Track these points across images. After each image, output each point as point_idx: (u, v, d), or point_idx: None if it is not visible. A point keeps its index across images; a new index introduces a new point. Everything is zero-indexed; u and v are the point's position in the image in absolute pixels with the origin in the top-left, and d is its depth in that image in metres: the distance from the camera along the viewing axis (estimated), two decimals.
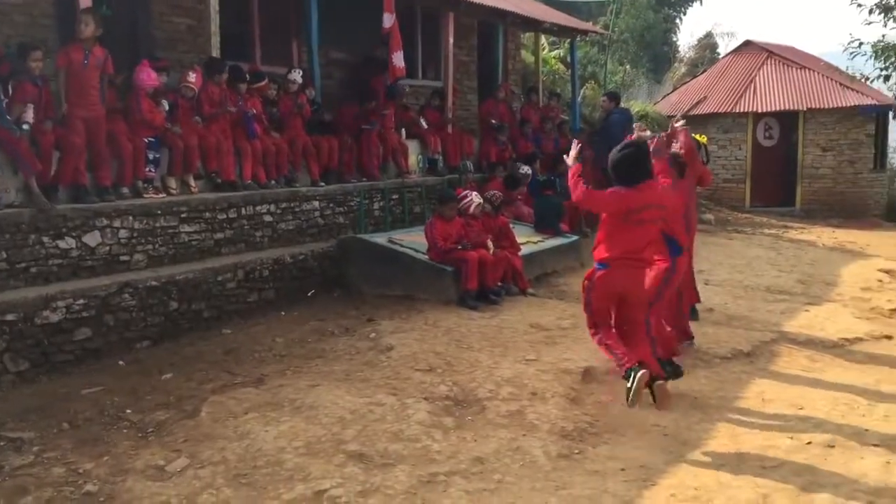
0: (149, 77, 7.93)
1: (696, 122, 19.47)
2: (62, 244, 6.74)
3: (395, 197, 10.69)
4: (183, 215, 7.79)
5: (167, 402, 5.59)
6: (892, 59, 14.50)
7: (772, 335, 7.60)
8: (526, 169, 12.02)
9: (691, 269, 7.21)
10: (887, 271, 11.08)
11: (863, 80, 16.09)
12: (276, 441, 4.85)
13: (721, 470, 4.63)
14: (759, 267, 11.20)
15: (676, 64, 30.04)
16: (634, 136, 6.18)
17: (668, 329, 6.20)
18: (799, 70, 19.89)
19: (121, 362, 6.47)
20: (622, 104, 14.66)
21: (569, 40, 16.90)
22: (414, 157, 11.65)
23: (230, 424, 5.13)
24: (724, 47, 29.16)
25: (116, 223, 7.16)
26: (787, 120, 19.13)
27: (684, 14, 33.28)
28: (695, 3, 32.91)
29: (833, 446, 4.92)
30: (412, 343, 6.81)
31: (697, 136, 7.31)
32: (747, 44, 21.66)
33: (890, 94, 16.81)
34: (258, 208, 8.63)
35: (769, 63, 20.39)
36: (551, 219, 10.85)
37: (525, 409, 5.49)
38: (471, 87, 15.25)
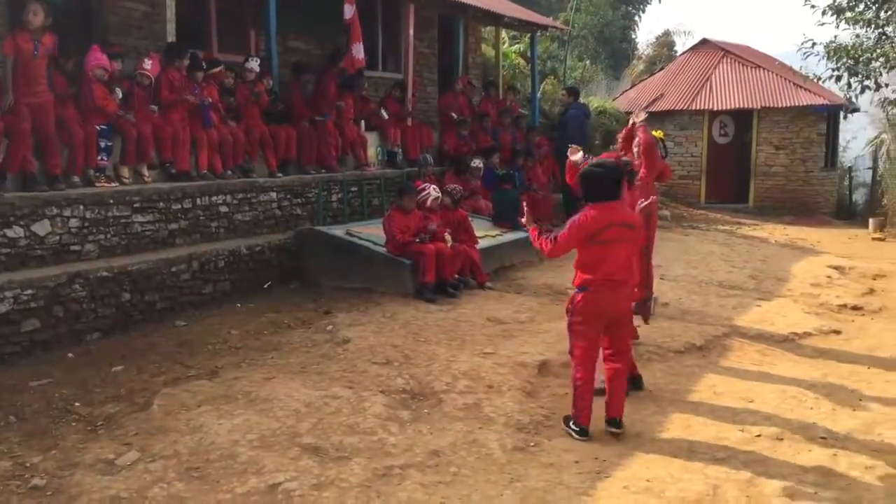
0: (97, 59, 7.74)
1: (653, 118, 19.58)
2: (10, 233, 6.59)
3: (353, 189, 10.63)
4: (136, 205, 7.66)
5: (118, 395, 5.50)
6: (844, 60, 14.77)
7: (724, 329, 7.72)
8: (477, 162, 12.02)
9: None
10: (836, 268, 11.32)
11: (815, 80, 16.38)
12: (230, 434, 4.80)
13: (673, 461, 4.69)
14: (712, 263, 11.37)
15: (635, 61, 30.29)
16: (570, 157, 6.15)
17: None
18: (754, 69, 20.20)
19: (70, 354, 6.35)
20: (581, 99, 14.73)
21: (529, 35, 16.95)
22: (373, 149, 11.59)
23: (183, 417, 5.06)
24: (682, 45, 29.48)
25: (67, 212, 7.01)
26: (741, 118, 19.43)
27: (643, 12, 33.63)
28: (653, 1, 33.27)
29: (782, 439, 5.02)
30: (369, 336, 6.79)
31: (655, 132, 7.39)
32: (704, 42, 21.93)
33: (841, 95, 17.13)
34: (214, 199, 8.52)
35: (725, 62, 20.67)
36: (509, 213, 10.88)
37: (481, 403, 5.51)
38: (431, 79, 15.21)
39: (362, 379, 5.83)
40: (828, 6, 14.85)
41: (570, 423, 5.15)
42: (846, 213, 20.34)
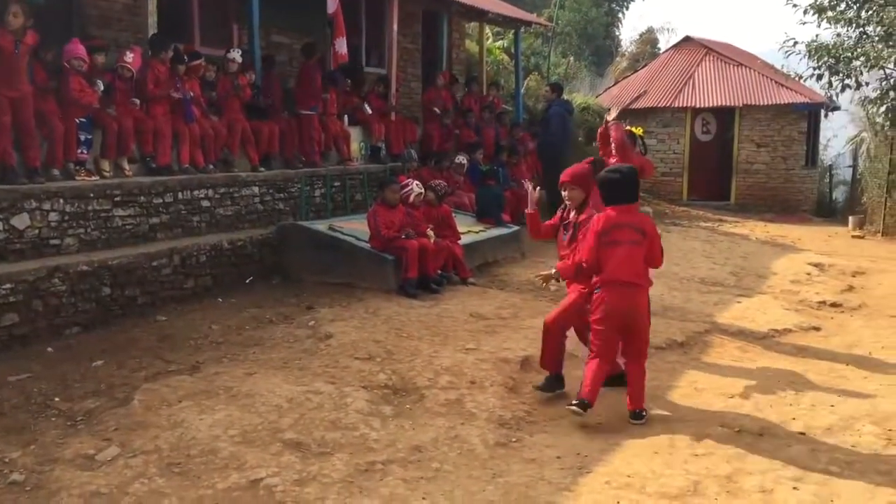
0: (74, 50, 7.66)
1: (636, 115, 19.78)
2: None
3: (336, 184, 10.60)
4: (117, 199, 7.59)
5: (98, 390, 5.45)
6: (825, 59, 14.91)
7: (705, 326, 7.77)
8: (461, 158, 12.03)
9: None
10: (816, 265, 11.42)
11: (797, 78, 16.53)
12: (211, 429, 4.78)
13: (655, 457, 4.71)
14: (694, 259, 11.43)
15: (618, 58, 30.39)
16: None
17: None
18: (736, 67, 20.34)
19: (50, 349, 6.28)
20: (565, 96, 14.77)
21: (513, 31, 16.96)
22: (356, 143, 11.57)
23: (163, 413, 5.03)
24: (665, 43, 29.62)
25: (46, 206, 6.94)
26: (723, 116, 19.56)
27: (626, 9, 33.73)
28: None
29: (762, 434, 5.05)
30: (351, 331, 6.77)
31: (633, 129, 7.43)
32: (687, 40, 22.05)
33: (822, 93, 17.29)
34: (195, 193, 8.46)
35: (708, 59, 20.80)
36: (493, 209, 10.90)
37: (464, 398, 5.51)
38: (415, 74, 15.20)
39: (344, 374, 5.82)
40: (809, 5, 15.00)
41: (573, 401, 5.23)
42: (826, 211, 20.54)
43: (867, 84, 15.29)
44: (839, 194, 22.98)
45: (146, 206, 7.88)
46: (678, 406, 5.64)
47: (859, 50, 14.59)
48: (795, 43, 15.20)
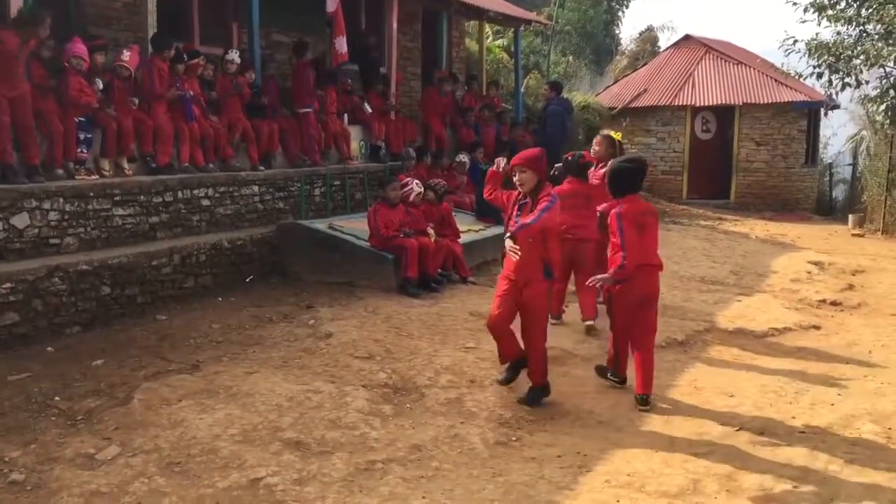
0: (75, 49, 7.64)
1: (636, 114, 19.81)
2: None
3: (336, 183, 10.60)
4: (116, 198, 7.59)
5: (98, 389, 5.45)
6: (825, 57, 14.90)
7: (705, 325, 7.77)
8: (462, 157, 12.02)
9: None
10: (816, 263, 11.42)
11: (797, 77, 16.53)
12: (211, 429, 4.78)
13: (654, 456, 4.72)
14: (694, 258, 11.44)
15: (618, 56, 30.38)
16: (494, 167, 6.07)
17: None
18: (736, 66, 20.33)
19: (50, 348, 6.28)
20: (564, 94, 14.75)
21: (513, 30, 16.95)
22: (356, 142, 11.56)
23: (164, 412, 5.03)
24: (665, 41, 29.59)
25: (46, 205, 6.94)
26: (723, 114, 19.55)
27: (626, 7, 33.69)
28: None
29: (761, 433, 5.06)
30: (351, 330, 6.78)
31: (612, 133, 7.78)
32: (687, 38, 22.04)
33: (822, 92, 17.28)
34: (195, 192, 8.46)
35: (707, 58, 20.79)
36: (492, 208, 10.85)
37: (463, 397, 5.52)
38: (415, 73, 15.19)
39: (344, 373, 5.82)
40: (809, 3, 14.98)
41: (609, 374, 5.92)
42: (826, 210, 20.54)
43: (867, 82, 15.28)
44: (839, 193, 22.98)
45: (146, 206, 7.88)
46: (678, 405, 5.65)
47: (859, 48, 14.58)
48: (795, 41, 15.19)
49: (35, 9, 7.32)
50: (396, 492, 4.18)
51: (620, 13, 33.57)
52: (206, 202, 8.59)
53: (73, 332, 6.66)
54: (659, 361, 6.57)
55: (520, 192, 5.47)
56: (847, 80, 15.08)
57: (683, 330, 7.50)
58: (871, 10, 14.47)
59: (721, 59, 20.68)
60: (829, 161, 23.29)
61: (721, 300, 8.85)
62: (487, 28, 17.98)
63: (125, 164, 8.05)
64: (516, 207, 5.46)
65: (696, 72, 20.35)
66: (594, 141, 7.76)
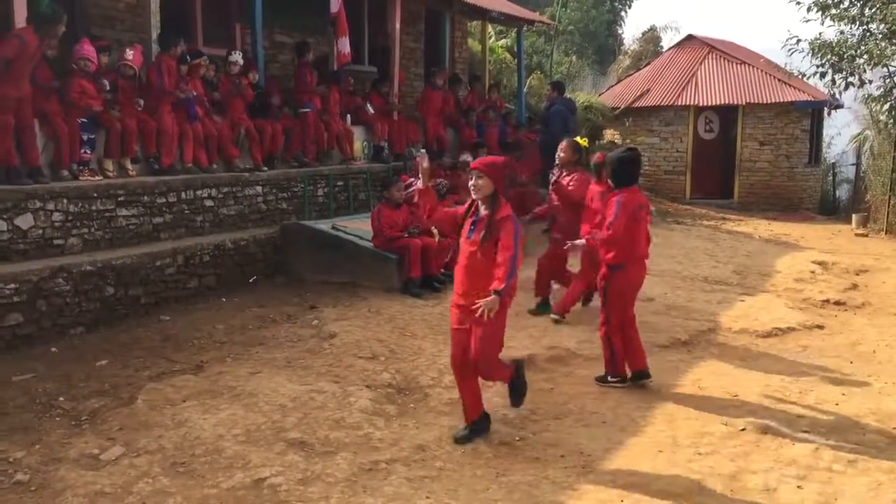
0: (83, 50, 7.65)
1: (639, 114, 19.79)
2: None
3: (339, 183, 10.60)
4: (120, 199, 7.61)
5: (102, 390, 5.46)
6: (829, 57, 14.87)
7: (708, 325, 7.77)
8: (466, 157, 12.01)
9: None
10: (820, 263, 11.40)
11: (800, 76, 16.49)
12: (215, 429, 4.79)
13: (658, 456, 4.72)
14: (697, 258, 11.42)
15: (621, 56, 30.33)
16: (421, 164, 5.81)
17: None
18: (739, 65, 20.29)
19: (54, 349, 6.30)
20: (567, 94, 14.74)
21: (515, 30, 16.93)
22: (359, 143, 11.56)
23: (167, 412, 5.04)
24: (668, 41, 29.55)
25: (50, 206, 6.95)
26: (726, 114, 19.52)
27: (629, 7, 33.67)
28: None
29: (765, 432, 5.05)
30: (355, 330, 6.78)
31: (578, 139, 7.97)
32: (690, 38, 22.00)
33: (825, 91, 17.24)
34: (199, 192, 8.47)
35: (711, 58, 20.75)
36: None
37: None
38: (417, 73, 15.19)
39: (348, 373, 5.83)
40: (813, 3, 14.94)
41: (609, 378, 5.94)
42: (830, 209, 20.49)
43: (870, 82, 15.24)
44: (842, 192, 22.92)
45: (150, 206, 7.89)
46: (682, 404, 5.64)
47: (863, 47, 14.55)
48: (798, 41, 15.15)
49: (52, 6, 7.35)
50: (400, 492, 4.18)
51: (623, 13, 33.57)
52: (209, 203, 8.60)
53: (77, 333, 6.67)
54: (662, 361, 6.59)
55: (471, 203, 4.85)
56: (850, 79, 15.04)
57: (687, 330, 7.50)
58: (874, 10, 14.43)
59: (724, 58, 20.65)
60: (833, 161, 23.22)
61: (724, 300, 8.84)
62: (490, 28, 17.97)
63: (129, 165, 8.06)
64: (469, 222, 4.80)
65: (699, 71, 20.32)
66: (559, 147, 7.86)
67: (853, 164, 22.42)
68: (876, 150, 17.92)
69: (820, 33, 15.44)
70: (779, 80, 18.96)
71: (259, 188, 9.30)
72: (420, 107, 13.08)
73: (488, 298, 4.49)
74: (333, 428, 4.91)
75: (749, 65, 20.19)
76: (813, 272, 10.75)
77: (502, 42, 21.76)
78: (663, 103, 19.69)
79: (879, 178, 16.30)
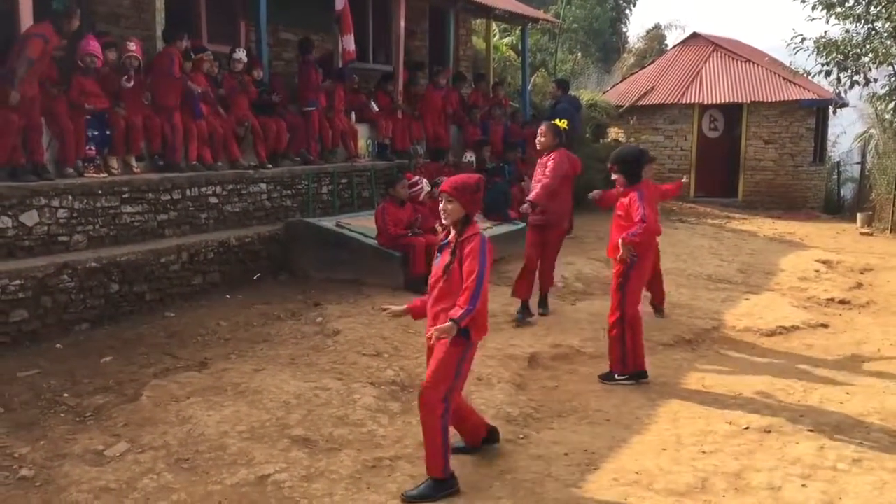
0: (88, 47, 7.66)
1: (643, 112, 19.75)
2: None
3: (343, 181, 10.61)
4: (125, 196, 7.62)
5: (107, 386, 5.48)
6: (833, 55, 14.83)
7: (713, 323, 7.76)
8: (469, 156, 12.01)
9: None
10: (824, 262, 11.38)
11: (805, 74, 16.44)
12: (220, 426, 4.79)
13: (662, 454, 4.71)
14: (701, 256, 11.41)
15: (625, 54, 30.31)
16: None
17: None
18: (744, 63, 20.24)
19: (59, 345, 6.32)
20: (572, 92, 14.72)
21: (520, 28, 16.91)
22: (363, 140, 11.56)
23: (172, 409, 5.05)
24: (672, 39, 29.51)
25: (55, 202, 6.97)
26: (731, 112, 19.47)
27: (633, 5, 33.64)
28: None
29: (769, 431, 5.05)
30: (359, 328, 6.79)
31: (557, 121, 7.90)
32: (694, 36, 21.94)
33: (830, 90, 17.19)
34: (203, 189, 8.48)
35: (715, 56, 20.70)
36: (500, 205, 10.88)
37: (471, 395, 5.51)
38: (422, 72, 15.14)
39: (352, 371, 5.83)
40: (818, 1, 14.89)
41: (616, 375, 5.99)
42: (834, 208, 20.43)
43: (876, 80, 15.19)
44: (847, 191, 22.84)
45: (154, 203, 7.90)
46: (686, 402, 5.63)
47: (868, 46, 14.50)
48: (803, 39, 15.10)
49: (67, 1, 7.37)
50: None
51: (627, 11, 33.58)
52: (214, 200, 8.61)
53: (81, 329, 6.69)
54: (667, 360, 6.59)
55: (444, 233, 4.50)
56: (856, 78, 14.99)
57: (691, 328, 7.49)
58: (879, 8, 14.38)
59: (729, 56, 20.59)
60: (838, 159, 23.15)
61: (729, 298, 8.83)
62: (494, 26, 17.95)
63: (133, 162, 8.07)
64: (436, 252, 4.45)
65: (703, 70, 20.26)
66: (539, 131, 7.72)
67: (858, 163, 22.34)
68: (881, 149, 17.85)
69: (825, 32, 15.40)
70: (784, 78, 18.91)
71: (263, 185, 9.30)
72: (420, 105, 13.08)
73: (443, 325, 4.06)
74: (337, 425, 4.91)
75: (754, 63, 20.14)
76: (817, 271, 10.73)
77: (506, 40, 21.73)
78: (668, 101, 19.64)
79: (884, 177, 16.25)
